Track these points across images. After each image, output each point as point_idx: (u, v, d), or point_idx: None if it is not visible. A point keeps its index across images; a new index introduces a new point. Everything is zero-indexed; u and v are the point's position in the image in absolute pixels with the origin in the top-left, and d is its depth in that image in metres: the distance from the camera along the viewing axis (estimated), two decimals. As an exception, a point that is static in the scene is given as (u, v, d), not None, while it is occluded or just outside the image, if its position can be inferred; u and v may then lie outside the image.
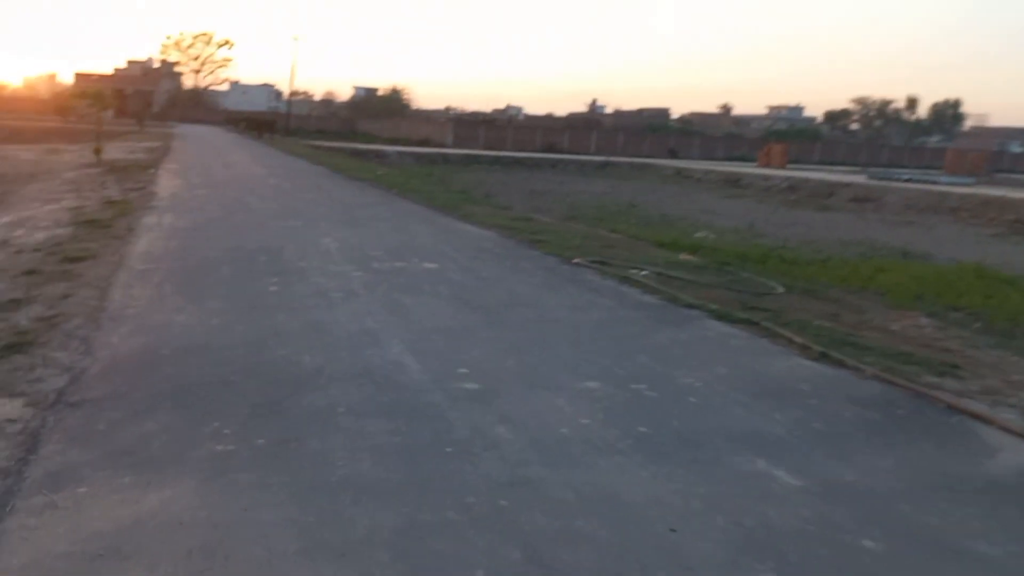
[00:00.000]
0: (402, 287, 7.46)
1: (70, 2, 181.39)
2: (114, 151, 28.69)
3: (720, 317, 6.94)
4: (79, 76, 79.73)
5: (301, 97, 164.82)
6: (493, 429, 4.08)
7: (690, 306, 7.34)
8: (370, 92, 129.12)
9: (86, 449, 3.59)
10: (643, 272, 9.12)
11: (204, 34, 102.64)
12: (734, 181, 38.43)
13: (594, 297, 7.61)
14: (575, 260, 9.69)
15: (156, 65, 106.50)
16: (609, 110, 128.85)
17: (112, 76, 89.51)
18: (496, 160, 52.80)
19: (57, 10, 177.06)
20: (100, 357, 4.94)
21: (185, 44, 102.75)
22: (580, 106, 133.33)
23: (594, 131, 78.79)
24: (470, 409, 4.35)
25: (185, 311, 6.15)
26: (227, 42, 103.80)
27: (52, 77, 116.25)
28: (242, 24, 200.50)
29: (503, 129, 78.76)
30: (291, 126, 72.01)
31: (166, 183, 16.57)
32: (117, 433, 3.80)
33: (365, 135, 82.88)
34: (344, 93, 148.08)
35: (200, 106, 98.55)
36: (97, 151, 21.35)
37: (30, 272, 7.44)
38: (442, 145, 65.07)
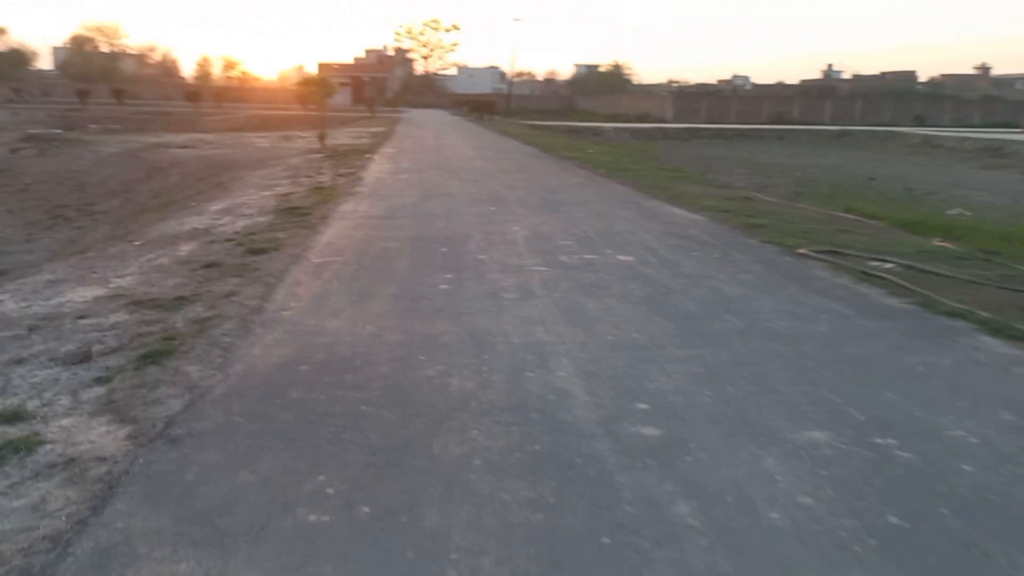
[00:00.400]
0: (587, 286, 6.43)
1: (321, 8, 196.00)
2: (341, 137, 29.89)
3: (996, 331, 5.30)
4: (321, 66, 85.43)
5: (524, 78, 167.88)
6: (672, 508, 2.97)
7: (952, 314, 5.73)
8: (591, 69, 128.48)
9: (157, 511, 2.91)
10: (887, 265, 7.47)
11: (433, 21, 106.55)
12: (994, 150, 33.62)
13: (823, 300, 6.17)
14: (800, 250, 8.18)
15: (390, 53, 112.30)
16: (846, 75, 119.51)
17: (351, 65, 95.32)
18: (718, 133, 50.17)
19: (307, 7, 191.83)
20: (231, 373, 4.36)
21: (416, 31, 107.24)
22: (813, 72, 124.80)
23: (828, 98, 72.98)
24: (644, 470, 3.26)
25: (342, 315, 5.51)
26: (454, 27, 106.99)
27: (300, 69, 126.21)
28: (471, 9, 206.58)
29: (727, 100, 75.04)
30: (511, 106, 72.88)
31: (376, 168, 16.60)
32: (204, 487, 3.10)
33: (584, 112, 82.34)
34: (566, 72, 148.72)
35: (429, 90, 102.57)
36: (321, 138, 22.10)
37: (211, 265, 7.20)
38: (662, 120, 63.00)
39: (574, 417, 3.79)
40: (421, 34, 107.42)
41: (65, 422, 3.80)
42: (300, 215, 10.22)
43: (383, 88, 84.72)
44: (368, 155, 19.94)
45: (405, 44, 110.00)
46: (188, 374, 4.37)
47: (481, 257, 7.53)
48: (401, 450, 3.41)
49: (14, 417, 3.88)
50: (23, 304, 6.25)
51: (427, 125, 41.88)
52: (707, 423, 3.75)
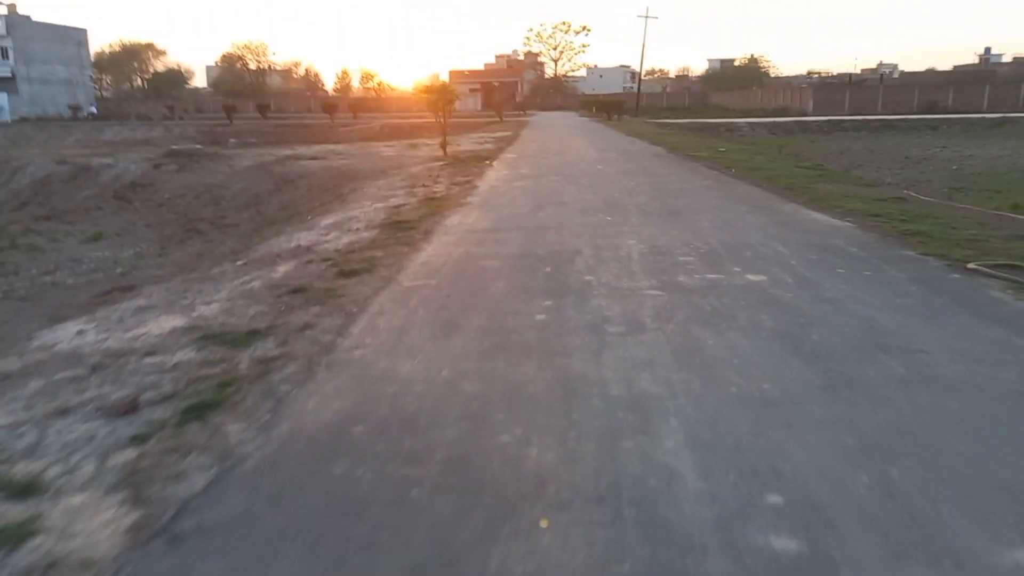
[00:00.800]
0: (708, 316, 5.43)
1: (453, 16, 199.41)
2: (466, 143, 29.61)
3: None
4: (453, 74, 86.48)
5: (655, 76, 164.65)
6: None
7: None
8: (725, 64, 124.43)
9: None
10: (1084, 286, 6.07)
11: (563, 23, 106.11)
12: None
13: (1006, 334, 4.93)
14: (970, 264, 6.84)
15: (520, 58, 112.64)
16: (1007, 58, 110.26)
17: (481, 71, 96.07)
18: (863, 125, 46.92)
19: (441, 17, 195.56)
20: (274, 436, 3.69)
21: (546, 35, 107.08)
22: (968, 57, 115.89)
23: (986, 84, 67.20)
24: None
25: (419, 354, 4.78)
26: (584, 29, 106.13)
27: (436, 77, 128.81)
28: (602, 9, 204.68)
29: (872, 90, 70.47)
30: (641, 105, 71.18)
31: (493, 175, 15.97)
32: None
33: (717, 108, 79.56)
34: (699, 68, 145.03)
35: (559, 93, 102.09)
36: (443, 145, 21.76)
37: (298, 290, 6.67)
38: (801, 113, 59.80)
39: (681, 515, 2.87)
40: (551, 37, 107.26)
41: (76, 500, 3.23)
42: (405, 229, 9.66)
43: (513, 92, 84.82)
44: (488, 161, 19.39)
45: (535, 48, 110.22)
46: (227, 435, 3.73)
47: (588, 278, 6.65)
48: (447, 566, 2.61)
49: (26, 490, 3.35)
50: (101, 336, 5.90)
51: (553, 128, 41.18)
52: (865, 531, 2.74)
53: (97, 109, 66.56)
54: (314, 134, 42.73)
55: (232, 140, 34.31)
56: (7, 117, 57.12)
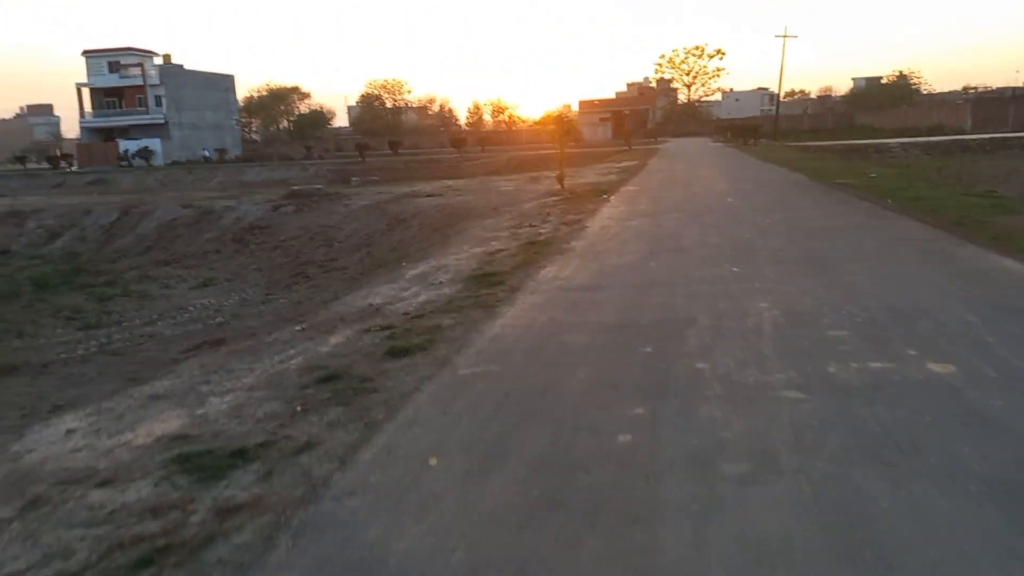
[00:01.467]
0: (876, 445, 3.61)
1: (584, 47, 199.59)
2: (588, 174, 28.12)
3: None
4: (583, 104, 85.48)
5: (794, 97, 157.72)
6: None
7: None
8: (871, 82, 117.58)
9: None
10: None
11: (696, 48, 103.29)
12: None
13: None
14: None
15: (652, 85, 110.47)
16: None
17: (612, 100, 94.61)
18: (1033, 143, 42.07)
19: (571, 54, 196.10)
20: None
21: (678, 60, 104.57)
22: None
23: None
24: None
25: (431, 512, 3.24)
26: (719, 52, 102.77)
27: (567, 108, 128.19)
28: (737, 32, 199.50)
29: (1040, 103, 63.95)
30: (780, 129, 67.53)
31: (608, 212, 14.35)
32: None
33: (864, 129, 74.60)
34: (842, 87, 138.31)
35: (692, 119, 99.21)
36: (560, 179, 20.33)
37: (330, 378, 5.32)
38: (958, 131, 54.78)
39: None
40: (683, 63, 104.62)
41: None
42: (491, 284, 8.22)
43: (644, 120, 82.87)
44: (606, 195, 17.78)
45: (667, 74, 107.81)
46: None
47: (700, 366, 4.92)
48: None
49: None
50: (82, 443, 4.75)
51: (683, 156, 39.08)
52: None
53: (241, 151, 69.80)
54: (440, 169, 42.45)
55: (355, 179, 34.27)
56: (160, 161, 60.47)
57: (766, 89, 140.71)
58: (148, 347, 12.90)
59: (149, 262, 20.93)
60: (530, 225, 13.86)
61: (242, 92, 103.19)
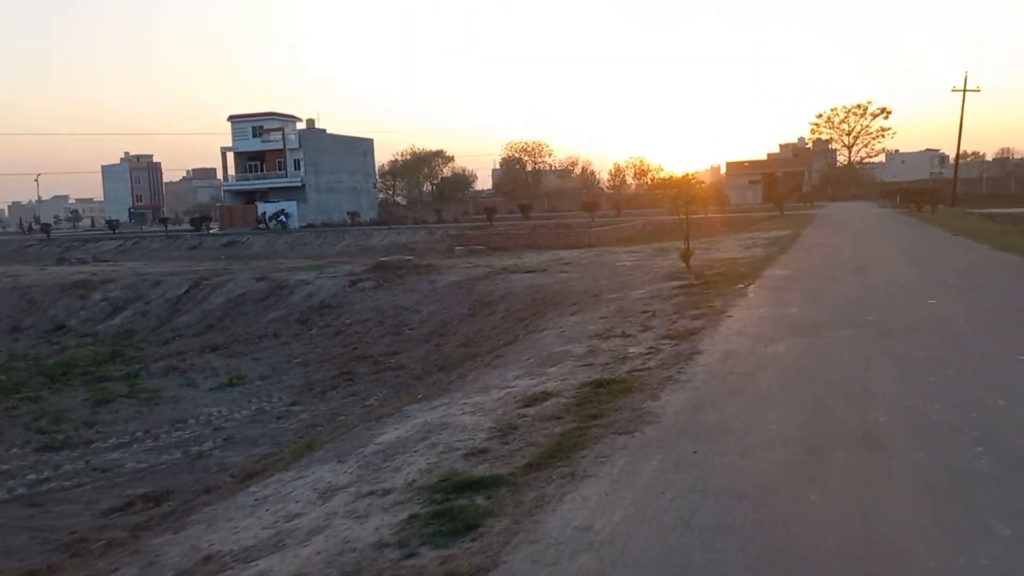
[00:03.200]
0: None
1: (735, 105, 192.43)
2: (729, 246, 23.16)
3: None
4: (730, 165, 79.72)
5: (968, 159, 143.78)
6: None
7: None
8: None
9: None
10: None
11: (858, 106, 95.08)
12: None
13: None
14: None
15: (808, 145, 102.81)
16: None
17: (764, 162, 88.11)
18: None
19: (721, 110, 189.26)
20: None
21: (837, 120, 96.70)
22: None
23: None
24: None
25: None
26: (884, 111, 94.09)
27: (716, 170, 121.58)
28: (901, 88, 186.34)
29: None
30: (957, 194, 59.24)
31: (740, 319, 9.57)
32: None
33: (1057, 193, 64.66)
34: (1021, 147, 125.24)
35: (853, 181, 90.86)
36: (685, 256, 15.67)
37: None
38: None
39: None
40: (843, 122, 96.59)
41: None
42: (464, 524, 3.84)
43: (798, 183, 75.97)
44: (744, 283, 12.97)
45: (824, 135, 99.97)
46: None
47: None
48: None
49: None
50: None
51: (846, 224, 33.12)
52: None
53: (377, 213, 68.76)
54: (565, 236, 38.29)
55: (459, 247, 30.73)
56: (295, 224, 59.99)
57: (936, 150, 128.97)
58: (78, 497, 9.29)
59: (199, 346, 17.81)
60: (622, 335, 9.36)
61: (388, 156, 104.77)
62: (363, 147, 70.86)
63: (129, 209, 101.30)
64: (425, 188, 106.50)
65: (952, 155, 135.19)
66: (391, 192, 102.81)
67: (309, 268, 23.71)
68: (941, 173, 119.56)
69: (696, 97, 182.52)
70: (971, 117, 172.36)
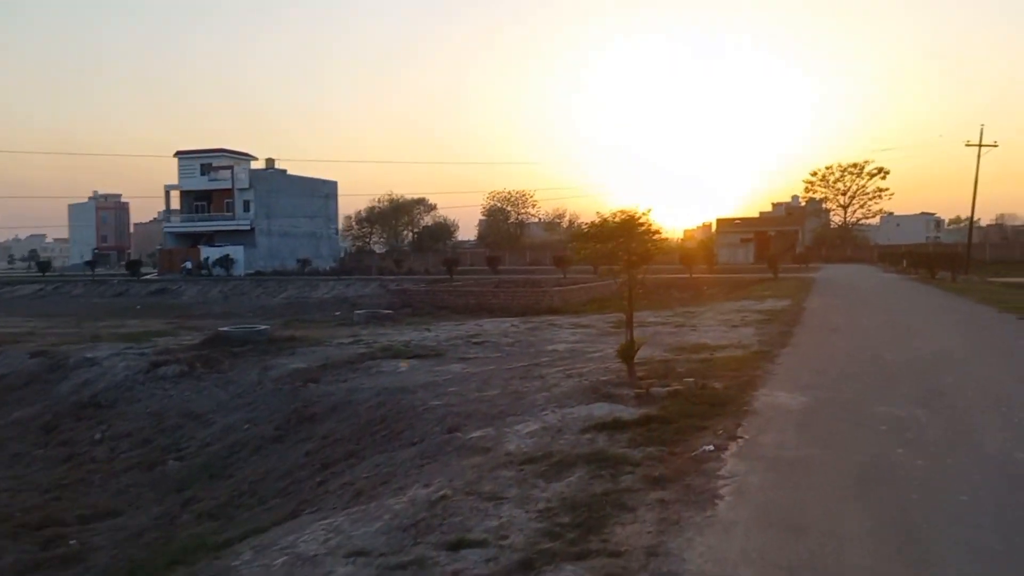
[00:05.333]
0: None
1: (727, 163, 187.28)
2: (707, 320, 16.61)
3: None
4: (720, 221, 73.67)
5: (962, 224, 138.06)
6: None
7: None
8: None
9: None
10: None
11: (854, 165, 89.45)
12: None
13: None
14: None
15: (802, 203, 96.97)
16: None
17: (756, 220, 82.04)
18: None
19: (716, 166, 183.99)
20: None
21: (832, 178, 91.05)
22: None
23: None
24: None
25: None
26: (881, 171, 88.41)
27: (708, 227, 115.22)
28: (898, 151, 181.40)
29: None
30: (958, 257, 52.95)
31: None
32: None
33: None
34: (1017, 211, 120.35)
35: (849, 243, 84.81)
36: (624, 353, 9.05)
37: None
38: None
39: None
40: (838, 181, 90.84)
41: None
42: None
43: (792, 243, 69.82)
44: (717, 438, 6.31)
45: (818, 194, 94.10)
46: None
47: None
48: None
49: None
50: None
51: (856, 293, 26.59)
52: None
53: (337, 262, 62.16)
54: (527, 295, 31.63)
55: (359, 312, 23.98)
56: (240, 271, 53.39)
57: (932, 214, 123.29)
58: None
59: None
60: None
61: (365, 202, 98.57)
62: (325, 190, 64.37)
63: (93, 250, 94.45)
64: (408, 236, 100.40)
65: (948, 219, 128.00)
66: (367, 240, 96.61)
67: (122, 339, 16.97)
68: (938, 237, 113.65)
69: (690, 152, 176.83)
70: (963, 181, 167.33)
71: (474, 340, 15.48)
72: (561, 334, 16.11)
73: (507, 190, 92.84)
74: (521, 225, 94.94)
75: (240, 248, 54.52)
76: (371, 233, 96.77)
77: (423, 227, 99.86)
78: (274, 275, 52.80)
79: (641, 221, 8.97)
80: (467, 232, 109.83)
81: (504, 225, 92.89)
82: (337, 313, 29.77)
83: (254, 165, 60.18)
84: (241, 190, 56.43)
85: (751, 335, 13.44)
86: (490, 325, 18.83)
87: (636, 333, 9.68)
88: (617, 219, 8.87)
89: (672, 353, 11.35)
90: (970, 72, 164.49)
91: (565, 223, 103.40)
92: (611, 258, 9.22)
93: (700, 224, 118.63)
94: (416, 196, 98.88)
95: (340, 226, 75.64)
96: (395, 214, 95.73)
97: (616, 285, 38.34)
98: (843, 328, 14.47)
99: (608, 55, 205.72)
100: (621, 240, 8.78)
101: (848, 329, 14.32)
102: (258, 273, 53.72)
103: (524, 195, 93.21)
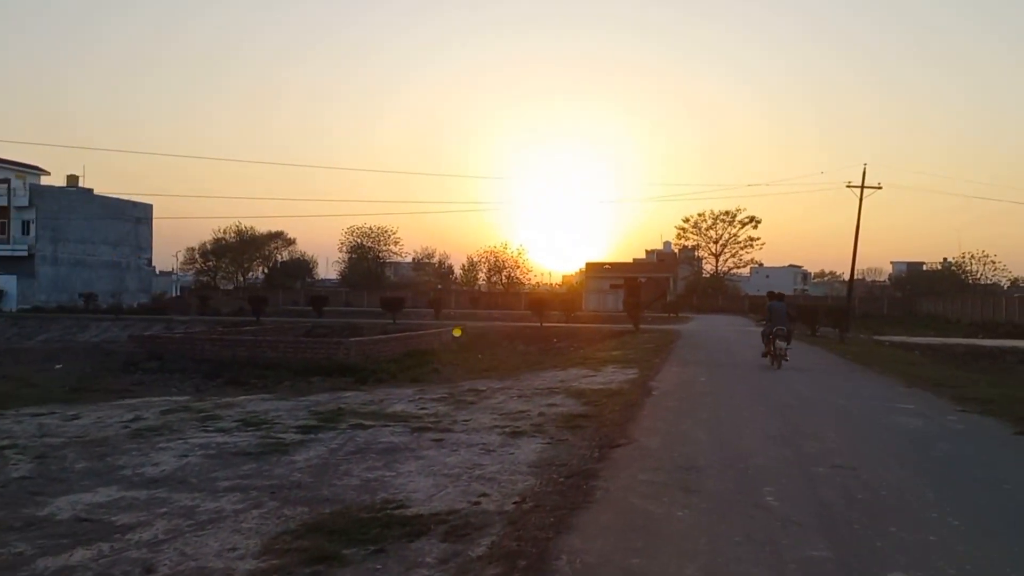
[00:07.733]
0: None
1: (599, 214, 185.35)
2: (475, 425, 9.43)
3: None
4: (590, 266, 68.26)
5: (825, 279, 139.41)
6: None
7: None
8: (913, 267, 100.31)
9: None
10: None
11: (726, 213, 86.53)
12: None
13: None
14: None
15: (674, 250, 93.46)
16: None
17: (629, 265, 77.37)
18: None
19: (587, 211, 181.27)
20: None
21: (705, 226, 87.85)
22: None
23: None
24: None
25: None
26: (753, 220, 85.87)
27: (579, 273, 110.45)
28: (768, 201, 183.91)
29: None
30: (839, 316, 48.92)
31: None
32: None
33: (936, 319, 56.08)
34: (879, 267, 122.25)
35: (720, 293, 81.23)
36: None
37: None
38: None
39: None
40: (710, 228, 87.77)
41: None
42: None
43: (663, 291, 65.03)
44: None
45: (691, 241, 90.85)
46: None
47: None
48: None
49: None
50: None
51: (729, 354, 20.25)
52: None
53: (148, 297, 52.30)
54: (325, 348, 23.71)
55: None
56: (12, 305, 43.02)
57: (799, 267, 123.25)
58: None
59: None
60: None
61: (212, 233, 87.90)
62: (136, 213, 54.11)
63: None
64: (258, 273, 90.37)
65: (814, 272, 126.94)
66: (212, 275, 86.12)
67: None
68: (805, 290, 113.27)
69: (570, 193, 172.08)
70: (828, 236, 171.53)
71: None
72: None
73: (368, 225, 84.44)
74: (382, 264, 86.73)
75: (13, 279, 44.08)
76: (216, 268, 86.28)
77: (280, 263, 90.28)
78: (59, 311, 42.69)
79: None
80: (333, 269, 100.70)
81: (363, 263, 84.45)
82: (59, 367, 21.12)
83: (47, 180, 49.91)
84: (20, 209, 46.11)
85: (593, 406, 6.26)
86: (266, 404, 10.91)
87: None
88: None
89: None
90: (850, 121, 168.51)
91: (435, 263, 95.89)
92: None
93: (578, 269, 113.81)
94: (272, 230, 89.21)
95: (181, 259, 65.31)
96: (244, 248, 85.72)
97: (449, 336, 31.01)
98: (705, 452, 7.50)
99: (479, 90, 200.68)
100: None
101: (713, 455, 7.36)
102: (36, 309, 43.45)
103: (384, 231, 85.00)
